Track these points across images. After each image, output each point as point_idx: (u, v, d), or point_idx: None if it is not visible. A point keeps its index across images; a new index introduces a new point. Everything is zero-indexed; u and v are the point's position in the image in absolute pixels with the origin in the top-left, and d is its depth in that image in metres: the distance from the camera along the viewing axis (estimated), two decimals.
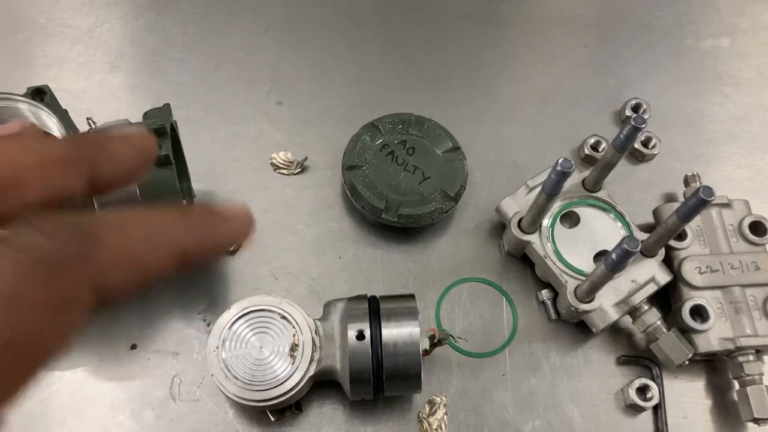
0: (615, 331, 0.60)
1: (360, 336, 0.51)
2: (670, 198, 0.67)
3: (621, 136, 0.55)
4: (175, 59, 0.71)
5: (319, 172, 0.66)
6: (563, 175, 0.51)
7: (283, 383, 0.51)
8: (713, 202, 0.51)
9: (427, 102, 0.70)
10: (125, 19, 0.74)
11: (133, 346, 0.58)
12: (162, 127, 0.49)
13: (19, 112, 0.49)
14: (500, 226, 0.64)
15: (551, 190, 0.53)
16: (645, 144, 0.68)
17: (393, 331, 0.52)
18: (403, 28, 0.75)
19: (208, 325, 0.58)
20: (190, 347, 0.58)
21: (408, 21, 0.76)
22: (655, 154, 0.68)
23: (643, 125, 0.53)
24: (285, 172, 0.66)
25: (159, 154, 0.48)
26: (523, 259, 0.62)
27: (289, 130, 0.68)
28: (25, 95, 0.49)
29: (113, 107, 0.68)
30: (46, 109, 0.48)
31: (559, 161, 0.50)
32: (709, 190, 0.50)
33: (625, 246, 0.48)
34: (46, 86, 0.49)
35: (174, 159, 0.50)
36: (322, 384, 0.55)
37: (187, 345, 0.58)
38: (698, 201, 0.50)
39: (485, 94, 0.72)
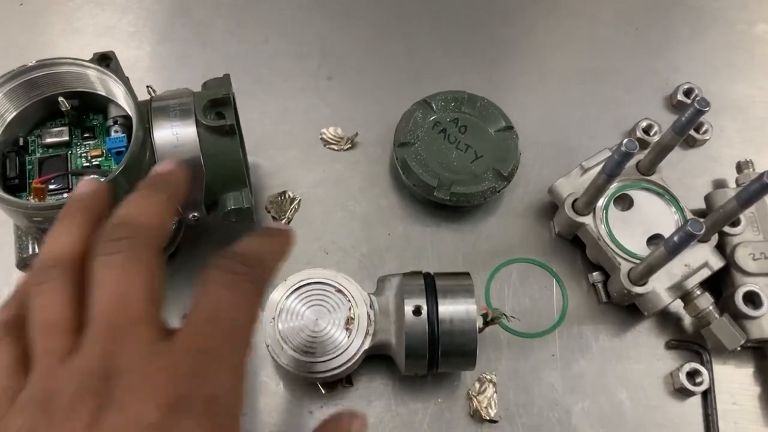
0: (664, 315, 0.60)
1: (417, 311, 0.51)
2: (720, 184, 0.66)
3: (683, 118, 0.54)
4: (225, 31, 0.71)
5: (369, 148, 0.66)
6: (626, 156, 0.51)
7: (339, 355, 0.51)
8: None
9: (477, 80, 0.69)
10: None
11: (185, 316, 0.58)
12: (226, 96, 0.49)
13: (86, 78, 0.49)
14: (550, 207, 0.63)
15: (612, 170, 0.52)
16: (697, 129, 0.67)
17: (449, 308, 0.52)
18: (455, 6, 0.74)
19: None
20: None
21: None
22: (707, 140, 0.68)
23: (707, 108, 0.53)
24: (335, 147, 0.66)
25: (224, 123, 0.48)
26: (574, 241, 0.62)
27: (339, 105, 0.68)
28: (91, 60, 0.48)
29: (164, 77, 0.68)
30: (113, 76, 0.48)
31: (624, 141, 0.50)
32: None
33: (689, 228, 0.47)
34: (112, 52, 0.49)
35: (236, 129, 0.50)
36: (372, 359, 0.55)
37: None
38: (761, 186, 0.50)
39: (536, 75, 0.71)
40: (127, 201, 0.33)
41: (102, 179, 0.37)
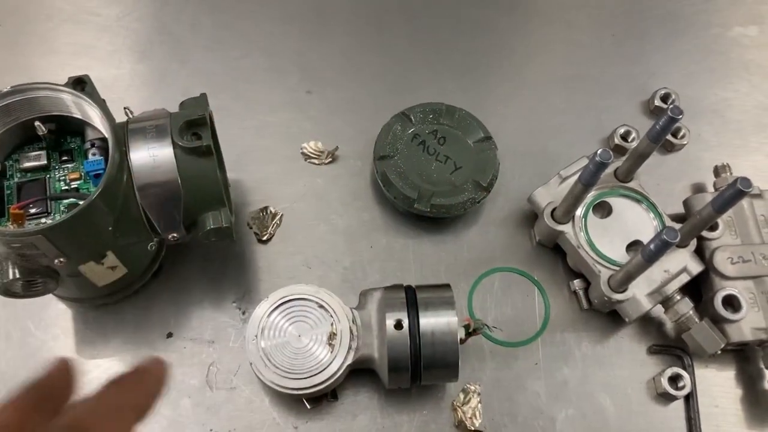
0: (646, 320, 0.60)
1: (398, 325, 0.52)
2: (699, 188, 0.67)
3: (657, 126, 0.55)
4: (204, 48, 0.71)
5: (350, 161, 0.66)
6: (601, 166, 0.51)
7: (322, 371, 0.51)
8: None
9: (456, 91, 0.70)
10: (153, 7, 0.74)
11: (169, 335, 0.58)
12: (202, 117, 0.49)
13: (62, 102, 0.49)
14: (531, 216, 0.64)
15: (588, 180, 0.53)
16: (674, 134, 0.68)
17: (431, 321, 0.52)
18: (431, 18, 0.75)
19: (244, 313, 0.59)
20: (226, 336, 0.58)
21: (436, 10, 0.75)
22: (684, 145, 0.68)
23: (680, 116, 0.53)
24: (315, 161, 0.66)
25: (201, 144, 0.48)
26: (555, 249, 0.62)
27: (319, 119, 0.68)
28: (66, 85, 0.49)
29: (144, 96, 0.68)
30: (88, 99, 0.48)
31: (598, 152, 0.50)
32: (746, 182, 0.50)
33: (664, 237, 0.48)
34: (86, 76, 0.49)
35: (213, 149, 0.50)
36: (357, 372, 0.55)
37: (222, 333, 0.58)
38: (735, 192, 0.50)
39: (513, 84, 0.72)
40: (87, 400, 0.31)
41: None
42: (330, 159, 0.66)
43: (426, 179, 0.61)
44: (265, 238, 0.62)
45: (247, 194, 0.64)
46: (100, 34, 0.71)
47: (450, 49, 0.73)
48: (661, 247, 0.49)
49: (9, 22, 0.71)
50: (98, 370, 0.56)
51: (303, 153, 0.66)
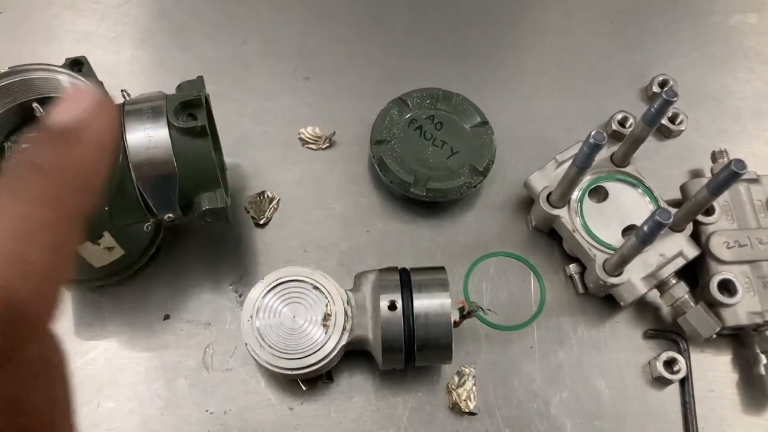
0: (642, 305, 0.61)
1: (392, 306, 0.52)
2: (696, 174, 0.67)
3: (652, 109, 0.55)
4: (203, 34, 0.72)
5: (347, 146, 0.67)
6: (595, 148, 0.51)
7: (316, 352, 0.52)
8: (744, 176, 0.51)
9: (454, 77, 0.70)
10: None
11: (166, 317, 0.58)
12: (197, 98, 0.50)
13: (59, 84, 0.50)
14: (527, 201, 0.64)
15: (582, 162, 0.53)
16: (672, 120, 0.68)
17: (424, 302, 0.52)
18: (430, 3, 0.75)
19: (240, 296, 0.59)
20: (223, 318, 0.58)
21: None
22: (682, 131, 0.68)
23: (675, 98, 0.53)
24: (313, 146, 0.66)
25: (196, 125, 0.49)
26: (551, 234, 0.62)
27: (317, 104, 0.68)
28: (63, 66, 0.49)
29: (143, 81, 0.68)
30: (85, 81, 0.48)
31: (592, 134, 0.51)
32: (740, 163, 0.50)
33: (657, 218, 0.48)
34: (83, 57, 0.50)
35: (209, 130, 0.50)
36: (352, 354, 0.55)
37: (219, 316, 0.58)
38: (729, 174, 0.50)
39: (512, 70, 0.72)
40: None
41: None
42: (327, 144, 0.66)
43: (422, 164, 0.62)
44: (262, 222, 0.62)
45: (244, 179, 0.64)
46: (101, 20, 0.72)
47: (448, 35, 0.73)
48: (654, 229, 0.49)
49: (10, 9, 0.72)
50: (95, 352, 0.57)
51: (300, 138, 0.66)
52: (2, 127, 0.51)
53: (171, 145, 0.49)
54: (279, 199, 0.63)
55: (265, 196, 0.63)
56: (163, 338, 0.58)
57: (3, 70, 0.48)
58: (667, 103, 0.53)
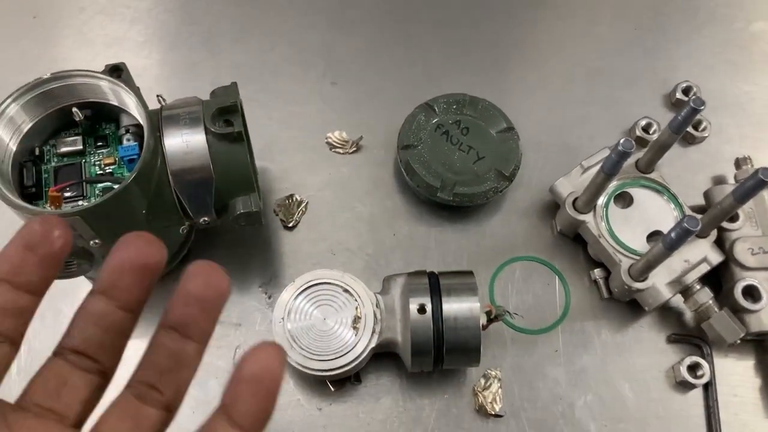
0: (665, 309, 0.61)
1: (421, 309, 0.53)
2: (719, 180, 0.67)
3: (679, 117, 0.55)
4: (232, 39, 0.73)
5: (374, 151, 0.68)
6: (624, 155, 0.52)
7: (346, 354, 0.53)
8: None
9: (479, 82, 0.70)
10: None
11: None
12: (234, 105, 0.51)
13: (99, 89, 0.51)
14: (552, 206, 0.65)
15: (610, 169, 0.54)
16: (695, 126, 0.68)
17: (453, 306, 0.53)
18: (455, 10, 0.76)
19: (269, 297, 0.60)
20: (252, 319, 0.59)
21: (460, 2, 0.76)
22: (705, 137, 0.69)
23: (702, 107, 0.54)
24: (340, 151, 0.67)
25: (233, 130, 0.50)
26: (575, 239, 0.63)
27: (344, 109, 0.69)
28: (103, 72, 0.50)
29: (173, 86, 0.69)
30: (125, 86, 0.49)
31: (621, 141, 0.51)
32: None
33: (686, 225, 0.49)
34: (123, 63, 0.51)
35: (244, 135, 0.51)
36: (379, 356, 0.56)
37: (249, 317, 0.60)
38: (757, 182, 0.51)
39: (537, 76, 0.73)
40: None
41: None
42: (354, 149, 0.67)
43: (449, 168, 0.62)
44: (290, 224, 0.63)
45: (273, 182, 0.66)
46: (131, 25, 0.73)
47: (474, 42, 0.74)
48: (681, 236, 0.50)
49: (44, 15, 0.73)
50: (128, 352, 0.58)
51: (328, 143, 0.67)
52: (44, 130, 0.52)
53: (208, 150, 0.50)
54: (307, 203, 0.65)
55: (294, 200, 0.64)
56: None
57: (46, 76, 0.49)
58: (695, 112, 0.54)
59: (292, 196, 0.64)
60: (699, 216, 0.58)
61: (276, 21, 0.74)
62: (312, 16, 0.75)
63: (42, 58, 0.71)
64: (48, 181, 0.52)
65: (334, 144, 0.67)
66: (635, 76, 0.73)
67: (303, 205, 0.64)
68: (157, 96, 0.54)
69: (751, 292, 0.58)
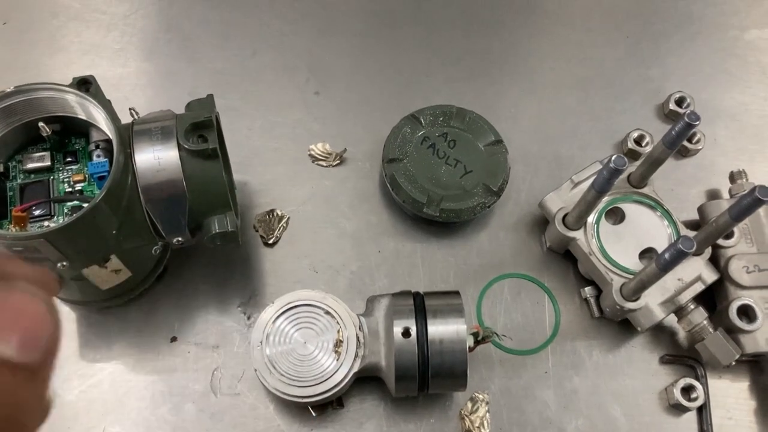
0: (658, 329, 0.59)
1: (406, 333, 0.51)
2: (714, 194, 0.65)
3: (673, 132, 0.53)
4: (212, 45, 0.70)
5: (358, 163, 0.65)
6: (615, 173, 0.50)
7: (327, 379, 0.50)
8: None
9: (466, 93, 0.68)
10: (160, 4, 0.73)
11: (173, 339, 0.57)
12: (208, 120, 0.49)
13: (66, 103, 0.48)
14: (542, 221, 0.63)
15: (601, 187, 0.52)
16: (689, 139, 0.67)
17: (439, 329, 0.51)
18: (442, 19, 0.74)
19: (249, 318, 0.58)
20: (231, 340, 0.57)
21: (447, 11, 0.74)
22: (699, 149, 0.67)
23: (697, 122, 0.52)
24: (323, 163, 0.65)
25: (207, 147, 0.47)
26: (565, 255, 0.61)
27: (327, 120, 0.67)
28: (71, 85, 0.48)
29: (150, 95, 0.67)
30: (93, 100, 0.47)
31: (613, 158, 0.49)
32: (765, 190, 0.49)
33: (680, 246, 0.47)
34: (92, 76, 0.48)
35: (219, 151, 0.49)
36: (363, 380, 0.54)
37: (227, 338, 0.57)
38: (753, 200, 0.49)
39: (526, 86, 0.71)
40: None
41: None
42: (338, 161, 0.65)
43: (435, 183, 0.60)
44: (271, 241, 0.61)
45: (253, 196, 0.63)
46: (107, 32, 0.71)
47: (462, 51, 0.72)
48: (676, 257, 0.48)
49: (15, 19, 0.71)
50: (101, 374, 0.56)
51: (311, 155, 0.65)
52: (8, 146, 0.50)
53: (181, 167, 0.47)
54: (288, 218, 0.62)
55: (275, 215, 0.62)
56: (170, 361, 0.56)
57: (8, 89, 0.47)
58: (689, 127, 0.52)
59: (272, 211, 0.62)
60: (693, 234, 0.57)
61: (258, 27, 0.72)
62: (295, 23, 0.72)
63: (12, 66, 0.68)
64: (13, 199, 0.50)
65: (317, 156, 0.65)
66: (628, 87, 0.71)
67: (284, 220, 0.62)
68: (130, 109, 0.51)
69: (747, 312, 0.56)
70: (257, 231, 0.61)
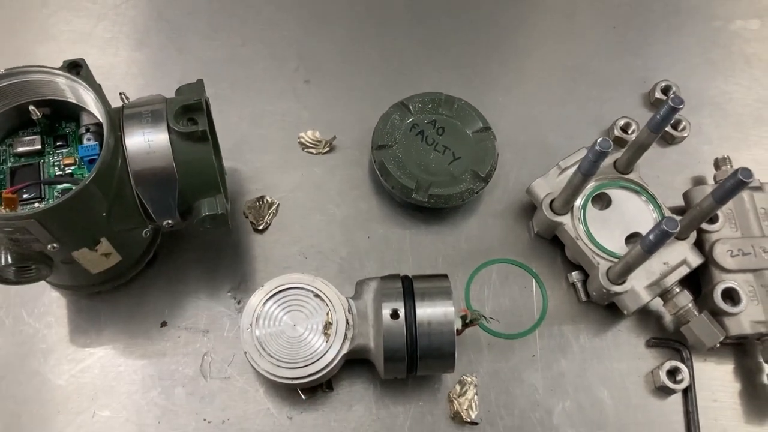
0: (644, 313, 0.60)
1: (394, 315, 0.51)
2: (698, 181, 0.66)
3: (657, 116, 0.54)
4: (202, 35, 0.71)
5: (348, 151, 0.66)
6: (601, 155, 0.51)
7: (317, 361, 0.51)
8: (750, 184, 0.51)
9: (455, 81, 0.69)
10: None
11: (164, 324, 0.57)
12: (198, 102, 0.49)
13: (56, 86, 0.48)
14: (530, 207, 0.63)
15: (588, 170, 0.53)
16: (674, 126, 0.67)
17: (427, 311, 0.51)
18: (432, 7, 0.74)
19: (239, 303, 0.58)
20: (221, 325, 0.57)
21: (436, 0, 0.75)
22: (685, 137, 0.68)
23: (681, 105, 0.53)
24: (313, 151, 0.65)
25: (197, 129, 0.48)
26: (553, 241, 0.62)
27: (317, 108, 0.68)
28: (61, 68, 0.48)
29: (140, 83, 0.67)
30: (83, 83, 0.47)
31: (598, 141, 0.50)
32: (747, 172, 0.49)
33: (664, 227, 0.47)
34: (82, 59, 0.48)
35: (209, 135, 0.49)
36: (352, 363, 0.55)
37: (217, 323, 0.58)
38: (736, 182, 0.50)
39: (514, 74, 0.71)
40: None
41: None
42: (328, 148, 0.65)
43: (424, 169, 0.61)
44: (261, 227, 0.61)
45: (243, 183, 0.64)
46: (97, 21, 0.71)
47: (451, 39, 0.73)
48: (660, 238, 0.48)
49: (5, 7, 0.71)
50: (91, 359, 0.56)
51: (300, 142, 0.65)
52: None
53: (171, 150, 0.48)
54: (278, 204, 0.63)
55: (265, 201, 0.62)
56: (160, 345, 0.57)
57: None
58: (673, 110, 0.53)
59: (262, 197, 0.62)
60: (678, 218, 0.57)
61: (247, 16, 0.72)
62: (285, 12, 0.73)
63: (2, 54, 0.68)
64: (4, 182, 0.50)
65: (307, 144, 0.65)
66: (614, 75, 0.71)
67: (274, 207, 0.62)
68: (120, 94, 0.52)
69: (731, 295, 0.57)
70: (247, 217, 0.62)
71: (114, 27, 0.71)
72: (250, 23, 0.72)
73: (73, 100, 0.50)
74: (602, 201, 0.60)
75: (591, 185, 0.60)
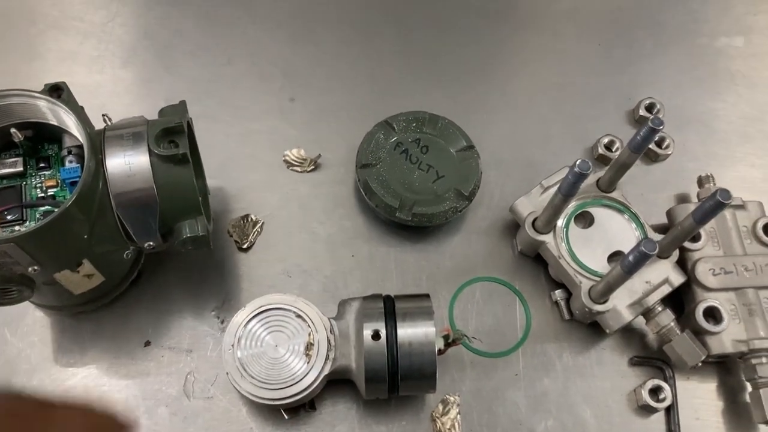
0: (627, 331, 0.60)
1: (375, 335, 0.51)
2: (683, 198, 0.66)
3: (638, 137, 0.54)
4: (188, 53, 0.71)
5: (332, 169, 0.66)
6: (580, 177, 0.51)
7: (298, 382, 0.51)
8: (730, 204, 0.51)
9: (440, 100, 0.69)
10: (137, 12, 0.73)
11: (147, 343, 0.58)
12: (179, 125, 0.49)
13: (37, 109, 0.49)
14: (513, 226, 0.64)
15: (568, 191, 0.53)
16: (659, 144, 0.68)
17: (408, 331, 0.52)
18: (417, 25, 0.75)
19: (222, 322, 0.58)
20: (204, 344, 0.58)
21: (421, 18, 0.75)
22: (669, 154, 0.68)
23: (661, 127, 0.53)
24: (298, 169, 0.66)
25: (177, 152, 0.48)
26: (536, 259, 0.62)
27: (302, 126, 0.68)
28: (42, 92, 0.48)
29: (126, 102, 0.67)
30: (64, 107, 0.47)
31: (577, 162, 0.50)
32: (726, 193, 0.49)
33: (643, 248, 0.48)
34: (63, 83, 0.49)
35: (190, 157, 0.49)
36: (335, 383, 0.55)
37: (200, 342, 0.58)
38: (715, 204, 0.50)
39: (498, 92, 0.72)
40: None
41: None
42: (312, 167, 0.66)
43: (408, 188, 0.61)
44: (245, 246, 0.61)
45: (229, 202, 0.64)
46: (84, 39, 0.71)
47: (435, 57, 0.73)
48: (640, 259, 0.49)
49: None
50: (75, 379, 0.56)
51: (285, 160, 0.66)
52: None
53: (152, 173, 0.48)
54: (263, 223, 0.63)
55: (249, 220, 0.62)
56: (143, 365, 0.57)
57: None
58: (653, 131, 0.53)
59: (247, 216, 0.63)
60: (659, 237, 0.58)
61: (233, 35, 0.73)
62: (271, 31, 0.73)
63: None
64: None
65: (292, 162, 0.66)
66: (599, 93, 0.72)
67: (258, 225, 0.62)
68: (103, 115, 0.52)
69: (713, 314, 0.57)
70: (231, 236, 0.62)
71: (101, 45, 0.71)
72: (235, 42, 0.72)
73: (54, 123, 0.50)
74: (585, 220, 0.61)
75: (573, 204, 0.60)
